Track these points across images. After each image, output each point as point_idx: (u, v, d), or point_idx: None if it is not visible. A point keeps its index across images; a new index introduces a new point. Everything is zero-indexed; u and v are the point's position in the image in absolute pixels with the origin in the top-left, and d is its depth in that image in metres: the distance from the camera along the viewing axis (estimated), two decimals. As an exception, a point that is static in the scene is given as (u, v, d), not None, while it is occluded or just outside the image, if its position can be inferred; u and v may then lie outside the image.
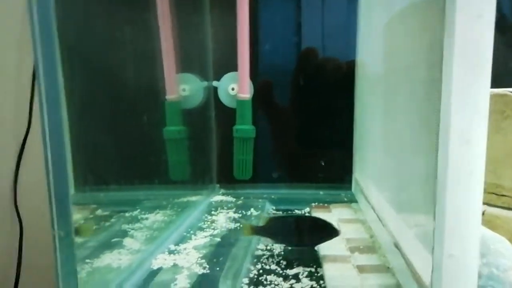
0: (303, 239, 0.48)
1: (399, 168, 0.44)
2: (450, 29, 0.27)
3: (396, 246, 0.41)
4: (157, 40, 0.73)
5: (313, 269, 0.44)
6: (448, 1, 0.27)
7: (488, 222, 0.49)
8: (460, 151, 0.27)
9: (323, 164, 0.45)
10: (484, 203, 0.49)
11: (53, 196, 0.28)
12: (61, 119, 0.29)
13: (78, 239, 0.46)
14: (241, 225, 0.55)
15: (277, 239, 0.48)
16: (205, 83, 0.79)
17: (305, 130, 0.81)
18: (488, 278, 0.35)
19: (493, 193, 0.51)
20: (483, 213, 0.48)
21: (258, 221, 0.49)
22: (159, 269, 0.43)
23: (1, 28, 0.71)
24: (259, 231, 0.48)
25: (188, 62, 0.78)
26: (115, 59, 0.73)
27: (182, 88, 0.77)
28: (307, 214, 0.49)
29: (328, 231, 0.47)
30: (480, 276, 0.36)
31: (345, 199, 0.70)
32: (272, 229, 0.47)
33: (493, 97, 0.51)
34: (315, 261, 0.46)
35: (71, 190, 0.70)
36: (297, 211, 0.66)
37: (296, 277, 0.42)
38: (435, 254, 0.29)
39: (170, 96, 0.75)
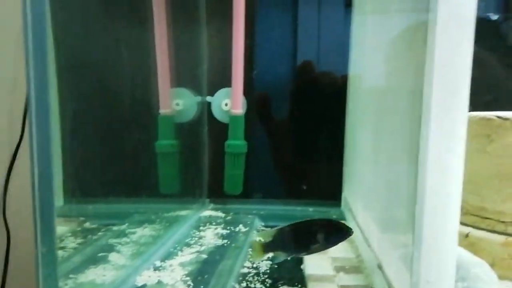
0: (317, 245, 0.43)
1: (384, 188, 0.45)
2: (430, 56, 0.28)
3: (379, 267, 0.41)
4: (153, 55, 0.75)
5: (297, 289, 0.44)
6: (430, 29, 0.28)
7: (471, 244, 0.49)
8: (437, 176, 0.28)
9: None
10: (468, 225, 0.50)
11: (37, 213, 0.28)
12: (49, 133, 0.29)
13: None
14: (250, 248, 0.51)
15: (290, 251, 0.44)
16: (199, 98, 0.79)
17: (299, 145, 0.81)
18: (468, 302, 0.35)
19: (477, 216, 0.51)
20: (467, 235, 0.48)
21: (260, 237, 0.45)
22: (143, 286, 0.43)
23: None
24: (268, 247, 0.44)
25: (183, 77, 0.79)
26: (110, 72, 0.74)
27: (175, 102, 0.77)
28: (311, 218, 0.44)
29: (341, 232, 0.43)
30: (460, 299, 0.36)
31: (334, 217, 0.71)
32: (282, 241, 0.43)
33: (478, 121, 0.52)
34: (300, 280, 0.46)
35: (60, 202, 0.71)
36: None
37: (280, 296, 0.42)
38: (413, 279, 0.29)
39: (163, 110, 0.76)
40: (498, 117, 0.50)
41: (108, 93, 0.75)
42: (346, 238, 0.43)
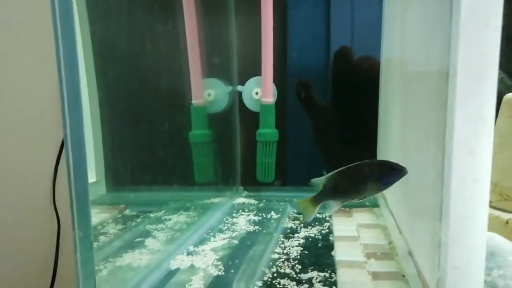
0: (370, 187, 0.39)
1: (415, 174, 0.43)
2: (455, 37, 0.27)
3: (410, 253, 0.40)
4: (184, 46, 0.76)
5: (327, 274, 0.45)
6: (454, 9, 0.27)
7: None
8: (463, 160, 0.27)
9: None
10: (509, 212, 0.48)
11: (74, 199, 0.31)
12: (81, 121, 0.31)
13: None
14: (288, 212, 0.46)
15: (342, 197, 0.40)
16: (230, 88, 0.80)
17: (339, 131, 0.81)
18: (504, 290, 0.34)
19: (520, 201, 0.49)
20: (507, 222, 0.46)
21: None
22: (176, 269, 0.45)
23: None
24: (318, 200, 0.40)
25: (214, 67, 0.80)
26: (144, 65, 0.76)
27: (207, 93, 0.79)
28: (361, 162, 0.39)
29: (394, 171, 0.39)
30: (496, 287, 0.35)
31: (367, 204, 0.70)
32: (332, 189, 0.39)
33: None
34: (330, 266, 0.46)
35: (103, 191, 0.75)
36: (318, 215, 0.67)
37: (309, 281, 0.43)
38: (440, 264, 0.29)
39: (196, 101, 0.78)
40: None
41: (143, 86, 0.77)
42: (400, 178, 0.38)
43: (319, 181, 0.40)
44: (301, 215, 0.66)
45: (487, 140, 0.27)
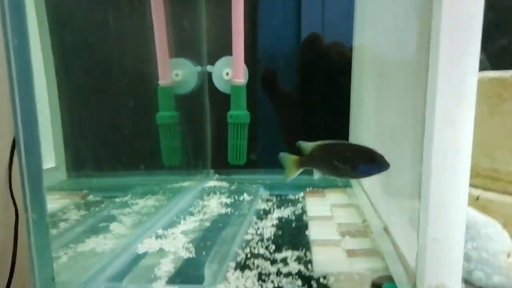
0: (350, 170, 0.38)
1: (390, 151, 0.43)
2: (437, 9, 0.25)
3: (385, 230, 0.40)
4: (150, 25, 0.72)
5: (302, 253, 0.44)
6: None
7: (483, 207, 0.48)
8: (445, 131, 0.26)
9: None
10: (479, 188, 0.48)
11: (26, 180, 0.27)
12: (33, 99, 0.28)
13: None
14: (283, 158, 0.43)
15: (323, 170, 0.40)
16: (199, 68, 0.77)
17: (306, 116, 0.80)
18: (477, 261, 0.34)
19: (489, 178, 0.50)
20: (477, 198, 0.47)
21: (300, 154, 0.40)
22: (145, 253, 0.43)
23: None
24: (303, 163, 0.40)
25: (182, 47, 0.77)
26: (105, 43, 0.72)
27: (175, 73, 0.75)
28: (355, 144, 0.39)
29: (378, 164, 0.38)
30: (469, 259, 0.35)
31: (340, 184, 0.69)
32: (318, 158, 0.39)
33: (490, 81, 0.50)
34: (305, 245, 0.46)
35: (63, 176, 0.70)
36: (291, 196, 0.66)
37: (284, 261, 0.42)
38: (420, 237, 0.28)
39: (162, 81, 0.74)
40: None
41: (107, 66, 0.73)
42: (381, 171, 0.38)
43: (308, 146, 0.39)
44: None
45: (469, 111, 0.26)
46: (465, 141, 0.26)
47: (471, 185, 0.50)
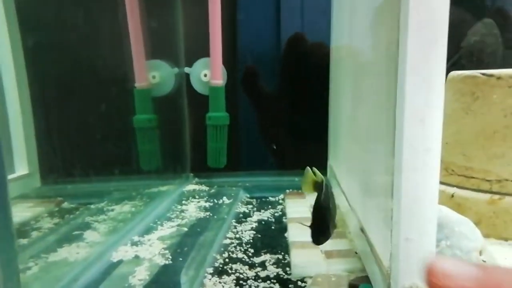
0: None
1: (365, 151, 0.43)
2: (404, 6, 0.25)
3: (362, 230, 0.40)
4: (126, 27, 0.71)
5: (280, 256, 0.43)
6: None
7: (457, 205, 0.49)
8: (414, 129, 0.26)
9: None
10: (453, 186, 0.49)
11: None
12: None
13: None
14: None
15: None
16: (176, 70, 0.76)
17: (287, 117, 0.79)
18: (451, 260, 0.35)
19: (463, 176, 0.50)
20: (452, 196, 0.48)
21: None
22: (119, 261, 0.42)
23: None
24: (316, 188, 0.39)
25: (158, 48, 0.75)
26: (80, 45, 0.70)
27: (152, 75, 0.74)
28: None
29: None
30: (444, 258, 0.35)
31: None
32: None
33: (463, 79, 0.50)
34: (283, 248, 0.45)
35: (37, 183, 0.68)
36: (271, 199, 0.65)
37: (262, 264, 0.41)
38: (393, 237, 0.28)
39: (139, 84, 0.73)
40: (483, 74, 0.48)
41: (81, 69, 0.71)
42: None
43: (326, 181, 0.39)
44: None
45: (438, 109, 0.26)
46: (435, 139, 0.26)
47: (446, 183, 0.51)
